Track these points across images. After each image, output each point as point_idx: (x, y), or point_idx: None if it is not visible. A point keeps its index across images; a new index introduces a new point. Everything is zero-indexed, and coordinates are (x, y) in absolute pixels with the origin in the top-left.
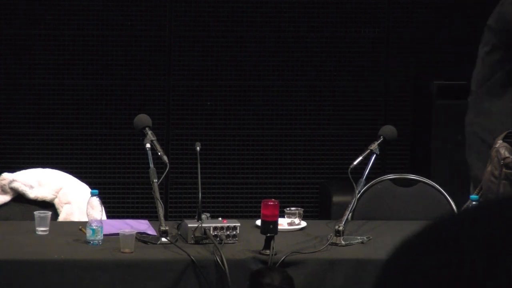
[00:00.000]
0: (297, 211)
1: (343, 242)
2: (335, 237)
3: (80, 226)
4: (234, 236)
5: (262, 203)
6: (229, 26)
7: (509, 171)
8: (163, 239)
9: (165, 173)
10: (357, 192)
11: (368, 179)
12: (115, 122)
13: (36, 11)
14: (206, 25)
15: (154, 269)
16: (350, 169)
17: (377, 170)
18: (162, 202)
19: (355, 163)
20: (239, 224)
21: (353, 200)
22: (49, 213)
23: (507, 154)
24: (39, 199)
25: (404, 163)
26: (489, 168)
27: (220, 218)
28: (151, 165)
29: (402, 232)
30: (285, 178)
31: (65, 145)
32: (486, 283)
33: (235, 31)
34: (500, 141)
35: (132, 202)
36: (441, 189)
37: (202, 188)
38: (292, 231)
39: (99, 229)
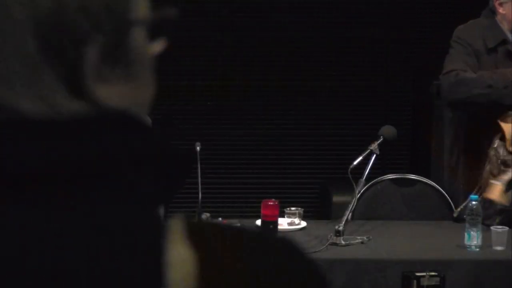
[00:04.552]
0: (297, 211)
1: (343, 242)
2: (335, 237)
3: None
4: None
5: (262, 203)
6: (228, 26)
7: (507, 169)
8: None
9: None
10: (357, 192)
11: (368, 179)
12: None
13: None
14: (205, 25)
15: None
16: (350, 169)
17: (377, 170)
18: None
19: (355, 163)
20: (239, 224)
21: (353, 200)
22: None
23: (505, 153)
24: None
25: (404, 163)
26: (487, 167)
27: (220, 218)
28: None
29: (402, 232)
30: (285, 178)
31: None
32: None
33: (235, 31)
34: (497, 141)
35: None
36: (441, 189)
37: (202, 188)
38: (292, 231)
39: None
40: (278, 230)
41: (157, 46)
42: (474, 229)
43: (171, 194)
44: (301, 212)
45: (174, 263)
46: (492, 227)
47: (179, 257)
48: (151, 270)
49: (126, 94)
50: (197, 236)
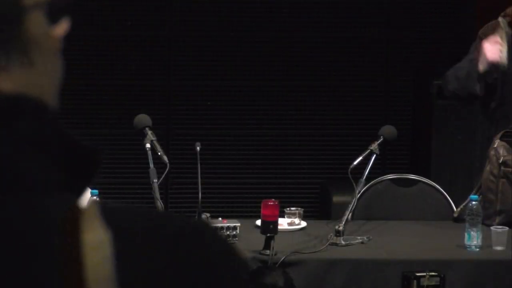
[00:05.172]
0: (297, 211)
1: (343, 242)
2: (335, 237)
3: None
4: (234, 236)
5: (262, 203)
6: (229, 26)
7: (508, 169)
8: None
9: (165, 173)
10: (357, 192)
11: (368, 179)
12: (115, 122)
13: None
14: (206, 25)
15: None
16: (350, 169)
17: (377, 170)
18: (162, 202)
19: (355, 163)
20: (239, 224)
21: (353, 200)
22: None
23: (505, 153)
24: None
25: (404, 163)
26: (488, 168)
27: (220, 218)
28: (151, 165)
29: (402, 232)
30: (285, 178)
31: None
32: None
33: (235, 31)
34: (498, 141)
35: (132, 202)
36: (441, 189)
37: (202, 188)
38: (292, 231)
39: None
40: (278, 230)
41: (60, 29)
42: (474, 229)
43: (82, 184)
44: (301, 212)
45: (91, 246)
46: (492, 227)
47: (96, 240)
48: (58, 260)
49: (26, 81)
50: (113, 218)
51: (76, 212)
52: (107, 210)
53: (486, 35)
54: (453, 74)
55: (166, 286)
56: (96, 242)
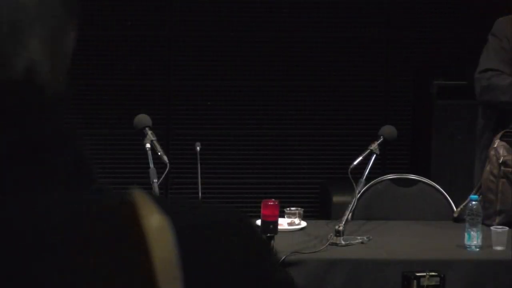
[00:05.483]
0: (297, 211)
1: (343, 242)
2: (335, 237)
3: None
4: None
5: (262, 203)
6: (229, 26)
7: (508, 169)
8: None
9: (165, 173)
10: (357, 192)
11: (368, 179)
12: (115, 122)
13: None
14: (206, 25)
15: None
16: (350, 169)
17: (377, 170)
18: None
19: (355, 163)
20: None
21: (353, 200)
22: None
23: (505, 153)
24: None
25: (404, 163)
26: (488, 168)
27: None
28: (151, 165)
29: (402, 232)
30: (285, 178)
31: None
32: None
33: (235, 31)
34: (498, 141)
35: None
36: (441, 189)
37: (202, 188)
38: (292, 231)
39: None
40: (278, 230)
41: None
42: (474, 229)
43: (83, 183)
44: (301, 212)
45: (153, 230)
46: (492, 227)
47: (157, 224)
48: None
49: (58, 70)
50: (167, 205)
51: (131, 199)
52: (156, 198)
53: (500, 33)
54: (507, 87)
55: (229, 278)
56: (157, 226)
